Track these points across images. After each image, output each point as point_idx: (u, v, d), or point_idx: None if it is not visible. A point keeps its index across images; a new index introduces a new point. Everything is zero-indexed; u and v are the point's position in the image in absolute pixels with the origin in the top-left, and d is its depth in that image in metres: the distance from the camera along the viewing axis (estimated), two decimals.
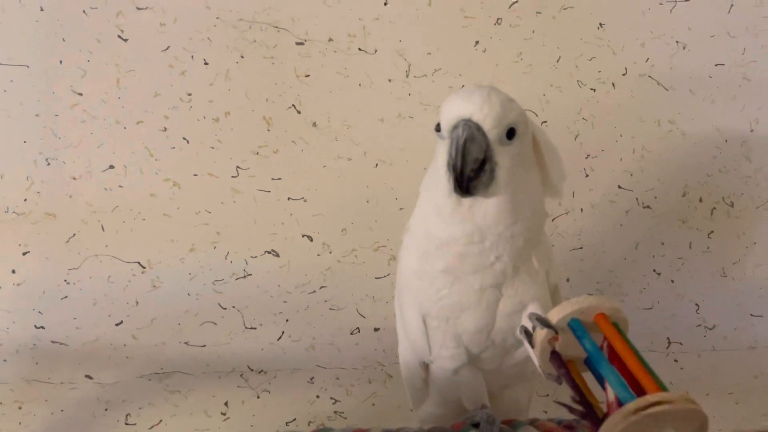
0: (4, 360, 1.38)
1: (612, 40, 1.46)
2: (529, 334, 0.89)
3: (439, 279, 0.94)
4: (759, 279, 1.58)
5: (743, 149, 1.53)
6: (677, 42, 1.48)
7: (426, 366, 1.05)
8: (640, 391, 0.77)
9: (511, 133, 0.89)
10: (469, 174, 0.87)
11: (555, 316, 0.85)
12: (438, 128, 0.91)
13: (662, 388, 0.77)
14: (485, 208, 0.90)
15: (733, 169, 1.54)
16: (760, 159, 1.54)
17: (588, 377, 0.88)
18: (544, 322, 0.86)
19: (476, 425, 0.97)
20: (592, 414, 0.82)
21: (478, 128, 0.86)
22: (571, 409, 0.84)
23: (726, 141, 1.52)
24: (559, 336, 0.87)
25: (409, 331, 1.02)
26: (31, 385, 1.36)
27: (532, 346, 0.88)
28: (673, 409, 0.72)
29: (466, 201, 0.90)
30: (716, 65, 1.49)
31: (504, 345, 0.98)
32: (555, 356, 0.88)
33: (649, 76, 1.48)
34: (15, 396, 1.34)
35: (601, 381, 0.82)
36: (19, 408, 1.34)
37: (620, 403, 0.76)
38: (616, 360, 0.83)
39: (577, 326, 0.84)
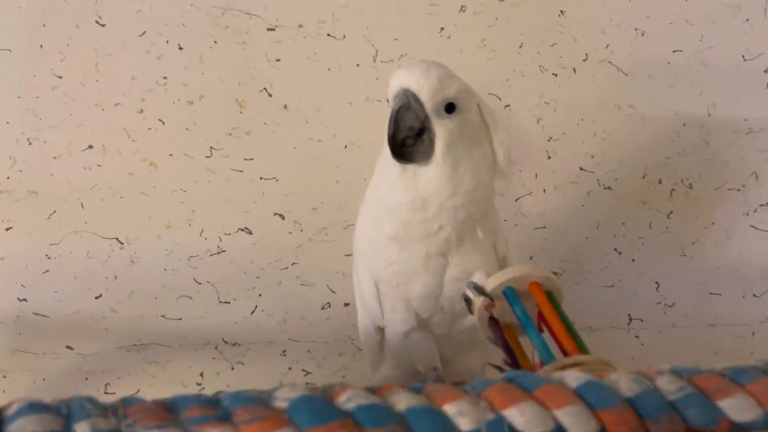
0: None
1: (573, 27, 1.51)
2: (469, 301, 0.95)
3: (388, 246, 1.00)
4: (718, 258, 1.63)
5: (701, 133, 1.59)
6: (636, 29, 1.53)
7: (381, 330, 1.11)
8: (566, 355, 0.83)
9: (450, 108, 0.95)
10: (403, 140, 0.93)
11: (491, 284, 0.92)
12: (389, 101, 0.98)
13: (583, 351, 0.83)
14: (426, 177, 0.96)
15: (691, 152, 1.59)
16: (717, 142, 1.59)
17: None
18: (480, 290, 0.92)
19: None
20: None
21: (416, 98, 0.93)
22: (500, 370, 0.90)
23: (684, 125, 1.58)
24: (495, 303, 0.93)
25: (364, 296, 1.09)
26: (15, 355, 1.43)
27: (472, 313, 0.95)
28: (586, 370, 0.77)
29: (410, 169, 0.96)
30: (674, 51, 1.55)
31: (452, 311, 1.05)
32: (492, 322, 0.94)
33: (609, 62, 1.54)
34: None
35: None
36: (3, 377, 1.41)
37: (543, 365, 0.82)
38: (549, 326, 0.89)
39: (510, 294, 0.90)
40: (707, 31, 1.54)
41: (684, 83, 1.56)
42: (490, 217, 1.04)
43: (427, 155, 0.95)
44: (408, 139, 0.94)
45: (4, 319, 1.43)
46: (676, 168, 1.59)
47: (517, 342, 0.95)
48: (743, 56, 1.57)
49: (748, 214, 1.63)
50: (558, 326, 0.86)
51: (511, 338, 0.94)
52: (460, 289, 1.00)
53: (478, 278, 1.01)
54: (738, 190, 1.62)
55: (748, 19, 1.55)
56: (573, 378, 0.59)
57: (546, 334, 0.91)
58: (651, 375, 0.67)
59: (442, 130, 0.95)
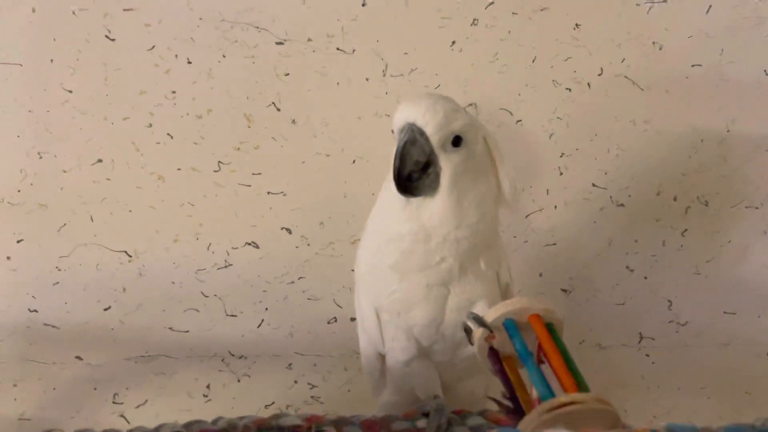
0: (0, 340, 1.47)
1: (588, 40, 1.48)
2: (468, 332, 0.94)
3: (389, 275, 1.00)
4: (733, 277, 1.60)
5: (720, 149, 1.55)
6: (654, 43, 1.49)
7: (382, 357, 1.11)
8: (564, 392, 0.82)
9: (457, 141, 0.94)
10: (409, 175, 0.92)
11: (490, 316, 0.91)
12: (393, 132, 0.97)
13: (582, 388, 0.82)
14: (431, 209, 0.95)
15: (708, 169, 1.55)
16: (736, 159, 1.55)
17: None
18: (480, 321, 0.91)
19: (426, 414, 1.03)
20: (518, 410, 0.87)
21: (421, 132, 0.92)
22: (499, 404, 0.89)
23: (702, 141, 1.54)
24: (495, 334, 0.92)
25: (365, 324, 1.09)
26: (26, 365, 1.45)
27: (471, 343, 0.94)
28: (583, 409, 0.76)
29: (414, 201, 0.95)
30: (693, 66, 1.51)
31: (454, 339, 1.04)
32: (492, 353, 0.93)
33: (625, 77, 1.50)
34: (10, 374, 1.43)
35: None
36: (14, 386, 1.43)
37: (541, 402, 0.81)
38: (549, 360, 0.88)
39: (510, 326, 0.89)
40: (728, 45, 1.50)
41: (702, 98, 1.52)
42: (492, 247, 1.03)
43: (432, 189, 0.95)
44: (413, 174, 0.93)
45: (15, 329, 1.45)
46: (692, 185, 1.56)
47: (517, 374, 0.93)
48: (765, 70, 1.52)
49: (766, 232, 1.59)
50: (557, 361, 0.84)
51: (511, 370, 0.93)
52: (462, 318, 0.99)
53: (480, 308, 1.00)
54: (756, 207, 1.58)
55: None
56: None
57: (547, 368, 0.90)
58: None
59: (447, 164, 0.94)
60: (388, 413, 1.09)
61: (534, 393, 0.83)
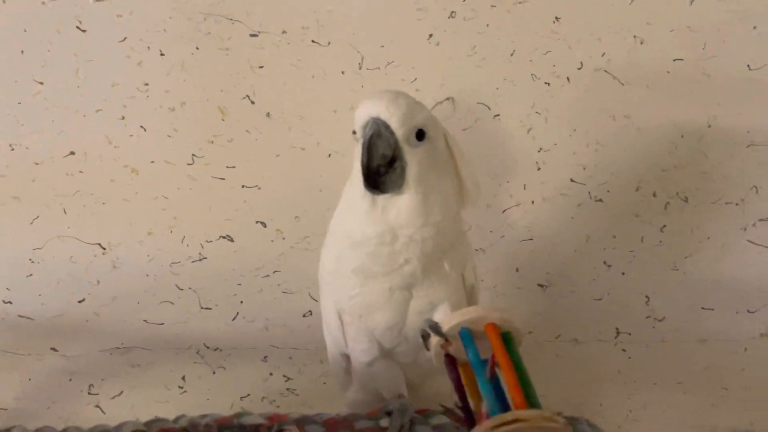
0: None
1: (568, 34, 1.46)
2: (426, 338, 0.94)
3: (351, 279, 1.00)
4: (712, 273, 1.59)
5: (700, 145, 1.53)
6: (635, 36, 1.47)
7: (347, 356, 1.11)
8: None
9: (420, 135, 0.94)
10: (377, 169, 0.92)
11: (447, 324, 0.90)
12: (355, 132, 0.96)
13: (532, 404, 0.81)
14: (398, 207, 0.95)
15: (688, 165, 1.54)
16: (717, 155, 1.54)
17: None
18: (436, 330, 0.91)
19: (390, 413, 1.03)
20: (469, 421, 0.87)
21: (386, 126, 0.92)
22: (450, 413, 0.89)
23: (682, 136, 1.52)
24: (452, 342, 0.91)
25: (328, 325, 1.09)
26: (1, 356, 1.46)
27: (428, 350, 0.94)
28: (528, 427, 0.76)
29: (380, 201, 0.95)
30: (675, 60, 1.49)
31: (416, 341, 1.03)
32: (449, 360, 0.93)
33: (605, 71, 1.48)
34: None
35: None
36: None
37: (489, 416, 0.80)
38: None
39: (465, 335, 0.89)
40: (711, 39, 1.48)
41: (684, 93, 1.50)
42: (457, 248, 1.03)
43: (398, 185, 0.94)
44: (381, 168, 0.93)
45: None
46: (672, 181, 1.55)
47: (474, 383, 0.93)
48: (748, 65, 1.50)
49: (746, 229, 1.58)
50: (509, 374, 0.83)
51: (468, 378, 0.93)
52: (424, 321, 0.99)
53: (442, 311, 1.00)
54: (736, 204, 1.57)
55: (755, 27, 1.48)
56: None
57: None
58: None
59: (412, 158, 0.94)
60: (355, 411, 1.09)
61: (484, 406, 0.83)
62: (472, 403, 0.90)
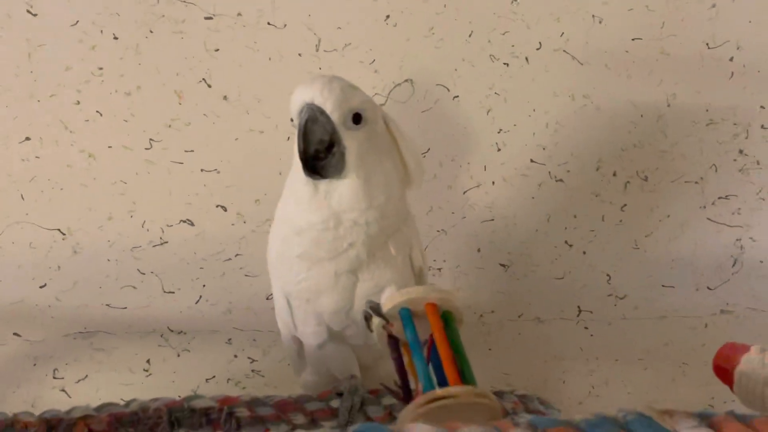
0: None
1: (526, 14, 1.45)
2: (368, 319, 0.95)
3: (297, 264, 1.00)
4: (672, 251, 1.61)
5: (659, 124, 1.54)
6: (593, 16, 1.47)
7: (299, 339, 1.12)
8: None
9: (357, 119, 0.94)
10: (314, 154, 0.92)
11: (387, 305, 0.91)
12: (292, 120, 0.96)
13: (468, 380, 0.83)
14: (340, 192, 0.95)
15: (648, 144, 1.55)
16: (676, 134, 1.55)
17: None
18: (376, 310, 0.92)
19: (341, 394, 1.05)
20: (408, 399, 0.88)
21: (321, 111, 0.92)
22: (391, 392, 0.91)
23: (642, 116, 1.53)
24: (393, 323, 0.92)
25: (277, 310, 1.09)
26: None
27: (371, 330, 0.95)
28: (460, 403, 0.77)
29: (322, 188, 0.95)
30: (633, 39, 1.49)
31: (364, 323, 1.04)
32: (391, 340, 0.94)
33: (564, 51, 1.48)
34: None
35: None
36: None
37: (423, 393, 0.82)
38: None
39: (404, 315, 0.90)
40: (669, 18, 1.48)
41: (643, 73, 1.51)
42: (402, 230, 1.03)
43: (338, 169, 0.94)
44: (319, 153, 0.92)
45: None
46: (632, 160, 1.56)
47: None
48: (707, 44, 1.50)
49: (705, 207, 1.60)
50: (445, 352, 0.84)
51: (411, 358, 0.94)
52: None
53: (388, 293, 1.00)
54: (696, 182, 1.58)
55: (714, 5, 1.48)
56: None
57: None
58: (504, 428, 0.66)
59: (351, 142, 0.94)
60: (309, 393, 1.11)
61: (420, 384, 0.84)
62: (412, 382, 0.91)
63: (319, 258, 0.98)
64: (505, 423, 0.67)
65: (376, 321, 0.92)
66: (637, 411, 0.65)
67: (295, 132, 0.94)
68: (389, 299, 0.91)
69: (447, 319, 0.90)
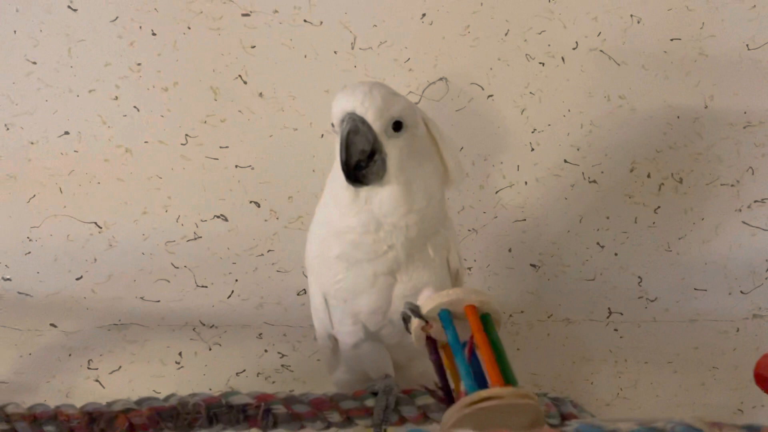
0: None
1: (563, 13, 1.44)
2: (407, 320, 0.96)
3: (336, 265, 1.01)
4: (705, 254, 1.60)
5: (695, 126, 1.52)
6: (632, 16, 1.45)
7: (335, 337, 1.13)
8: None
9: (397, 126, 0.94)
10: (356, 164, 0.93)
11: (426, 306, 0.92)
12: (333, 125, 0.97)
13: (510, 382, 0.83)
14: (380, 197, 0.96)
15: (683, 146, 1.53)
16: (712, 136, 1.53)
17: None
18: (416, 312, 0.93)
19: (376, 393, 1.05)
20: (449, 400, 0.89)
21: (363, 121, 0.92)
22: (431, 393, 0.91)
23: (678, 117, 1.51)
24: (432, 324, 0.93)
25: (315, 308, 1.10)
26: (1, 331, 1.49)
27: (409, 332, 0.95)
28: (504, 404, 0.78)
29: (363, 192, 0.96)
30: (672, 40, 1.47)
31: (401, 324, 1.05)
32: (430, 342, 0.94)
33: (601, 51, 1.47)
34: None
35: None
36: None
37: (467, 395, 0.82)
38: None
39: (444, 317, 0.90)
40: (709, 19, 1.46)
41: (680, 74, 1.49)
42: (441, 233, 1.04)
43: (380, 176, 0.95)
44: (361, 162, 0.93)
45: None
46: (667, 162, 1.54)
47: (455, 364, 0.95)
48: (747, 45, 1.48)
49: (740, 210, 1.58)
50: (487, 354, 0.85)
51: (449, 359, 0.95)
52: None
53: (426, 295, 1.01)
54: (732, 185, 1.56)
55: (755, 6, 1.46)
56: None
57: None
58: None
59: (392, 149, 0.95)
60: (342, 391, 1.12)
61: (462, 385, 0.85)
62: (452, 383, 0.92)
63: (358, 259, 0.99)
64: (550, 429, 0.67)
65: (415, 322, 0.93)
66: (685, 422, 0.65)
67: (335, 136, 0.95)
68: (429, 301, 0.92)
69: (485, 321, 0.91)
